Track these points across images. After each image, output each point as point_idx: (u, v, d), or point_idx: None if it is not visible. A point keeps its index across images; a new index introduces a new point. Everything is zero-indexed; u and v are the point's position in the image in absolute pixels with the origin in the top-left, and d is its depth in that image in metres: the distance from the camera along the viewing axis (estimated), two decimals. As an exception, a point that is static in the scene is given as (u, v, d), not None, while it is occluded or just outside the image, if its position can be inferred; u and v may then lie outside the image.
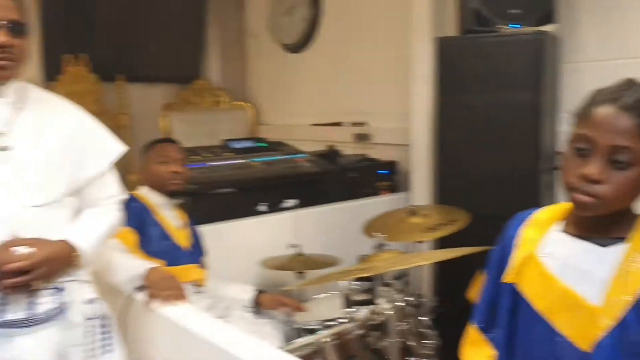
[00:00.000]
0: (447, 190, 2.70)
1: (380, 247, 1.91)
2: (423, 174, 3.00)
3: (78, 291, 1.46)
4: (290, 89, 4.37)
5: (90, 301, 1.48)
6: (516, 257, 1.18)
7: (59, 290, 1.41)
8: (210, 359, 1.51)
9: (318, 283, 1.85)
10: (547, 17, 2.53)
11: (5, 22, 1.36)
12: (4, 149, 1.38)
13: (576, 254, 1.10)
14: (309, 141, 3.68)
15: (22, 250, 1.32)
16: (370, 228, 2.34)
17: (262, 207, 2.80)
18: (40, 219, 1.40)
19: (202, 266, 2.26)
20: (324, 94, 4.04)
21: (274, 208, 2.82)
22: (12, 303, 1.34)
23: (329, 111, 3.93)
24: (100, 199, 1.57)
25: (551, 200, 2.54)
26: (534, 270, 1.14)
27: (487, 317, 1.25)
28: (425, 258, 1.83)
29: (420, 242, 2.41)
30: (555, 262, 1.12)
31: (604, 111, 1.02)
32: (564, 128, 2.45)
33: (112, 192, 1.60)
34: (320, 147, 3.44)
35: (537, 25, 2.53)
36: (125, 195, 1.67)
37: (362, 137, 3.61)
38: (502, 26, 2.55)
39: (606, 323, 1.03)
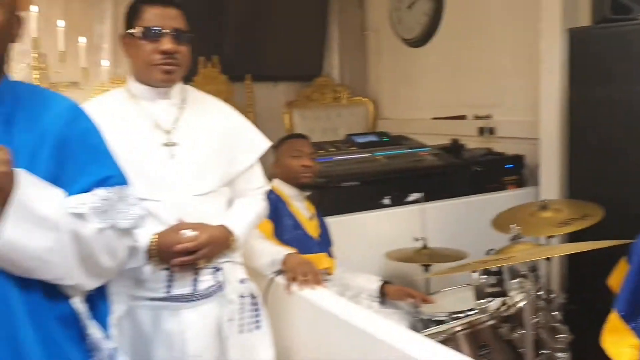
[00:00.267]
0: (579, 185, 2.61)
1: (515, 238, 1.91)
2: (553, 168, 2.90)
3: (232, 271, 1.59)
4: (411, 83, 4.37)
5: (242, 281, 1.61)
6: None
7: (218, 269, 1.55)
8: (349, 338, 1.58)
9: (453, 272, 1.87)
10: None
11: (170, 31, 1.53)
12: (171, 144, 1.56)
13: None
14: (430, 135, 3.66)
15: (189, 233, 1.47)
16: (499, 222, 2.32)
17: (386, 201, 2.82)
18: (202, 206, 1.55)
19: (330, 255, 2.35)
20: (446, 88, 4.00)
21: (398, 201, 2.83)
22: (178, 280, 1.50)
23: (451, 105, 3.90)
24: (248, 190, 1.71)
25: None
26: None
27: (629, 306, 1.24)
28: (564, 249, 1.80)
29: (551, 236, 2.36)
30: None
31: None
32: None
33: (259, 183, 1.75)
34: (442, 140, 3.41)
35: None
36: (268, 187, 1.82)
37: (486, 131, 3.55)
38: (642, 13, 2.42)
39: None
